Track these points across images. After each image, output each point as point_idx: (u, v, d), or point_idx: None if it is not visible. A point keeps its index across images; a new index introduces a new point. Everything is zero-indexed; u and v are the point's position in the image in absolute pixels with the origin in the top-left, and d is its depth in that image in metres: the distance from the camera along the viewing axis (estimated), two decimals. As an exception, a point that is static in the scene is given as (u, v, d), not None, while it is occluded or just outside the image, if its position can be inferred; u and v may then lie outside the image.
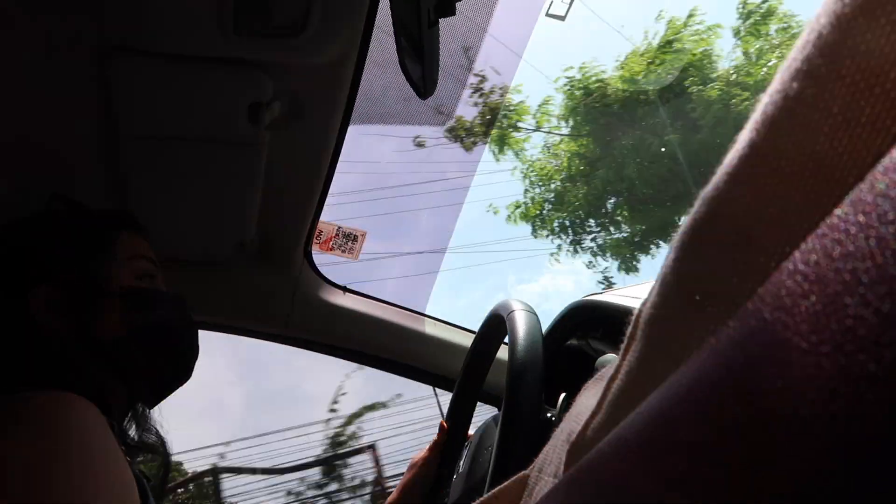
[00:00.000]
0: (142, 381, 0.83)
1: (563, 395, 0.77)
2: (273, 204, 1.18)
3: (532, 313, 0.81)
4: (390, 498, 1.05)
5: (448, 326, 1.47)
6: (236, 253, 1.27)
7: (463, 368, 1.09)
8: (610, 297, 0.90)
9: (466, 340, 1.12)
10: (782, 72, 0.20)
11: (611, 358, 0.73)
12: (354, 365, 1.48)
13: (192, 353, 0.91)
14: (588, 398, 0.47)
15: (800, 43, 0.20)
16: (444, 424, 1.07)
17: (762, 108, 0.20)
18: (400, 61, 0.86)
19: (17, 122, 0.95)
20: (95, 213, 0.88)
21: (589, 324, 0.96)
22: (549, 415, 0.76)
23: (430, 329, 1.44)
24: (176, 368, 0.88)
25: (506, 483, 0.48)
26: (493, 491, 0.49)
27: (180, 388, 0.91)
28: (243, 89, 0.93)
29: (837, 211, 0.15)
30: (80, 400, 0.62)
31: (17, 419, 0.58)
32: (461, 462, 0.92)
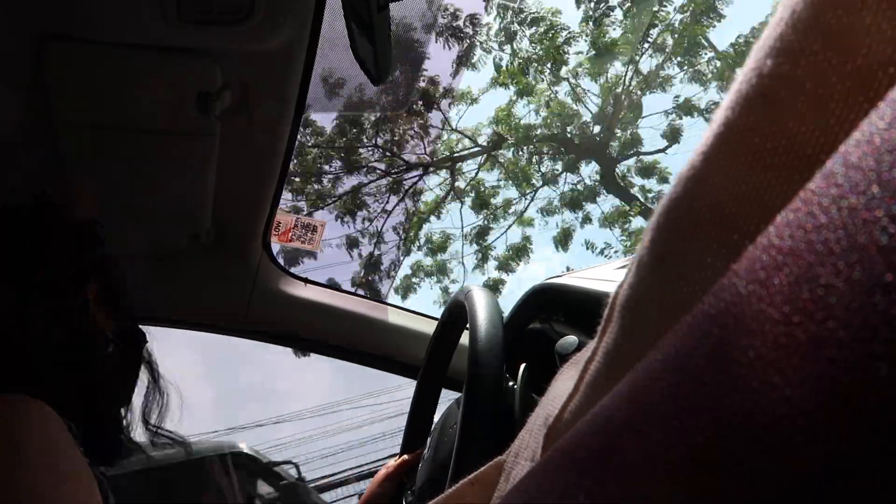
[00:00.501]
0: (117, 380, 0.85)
1: (523, 366, 0.77)
2: (228, 195, 1.15)
3: (490, 295, 0.81)
4: None
5: (411, 314, 1.47)
6: (191, 245, 1.24)
7: (426, 355, 1.09)
8: (570, 280, 0.91)
9: (430, 328, 1.12)
10: (757, 49, 0.20)
11: (571, 340, 0.74)
12: (325, 359, 1.47)
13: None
14: (564, 381, 0.47)
15: (774, 20, 0.20)
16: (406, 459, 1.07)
17: (737, 87, 0.20)
18: (352, 46, 0.84)
19: None
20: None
21: (550, 307, 0.97)
22: (510, 383, 0.76)
23: (394, 318, 1.44)
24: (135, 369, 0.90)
25: (482, 469, 0.48)
26: (469, 477, 0.49)
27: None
28: (190, 78, 0.90)
29: (810, 185, 0.15)
30: (37, 403, 0.61)
31: None
32: (426, 448, 0.92)
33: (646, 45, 8.35)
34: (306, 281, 1.37)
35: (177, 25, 0.81)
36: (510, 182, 9.17)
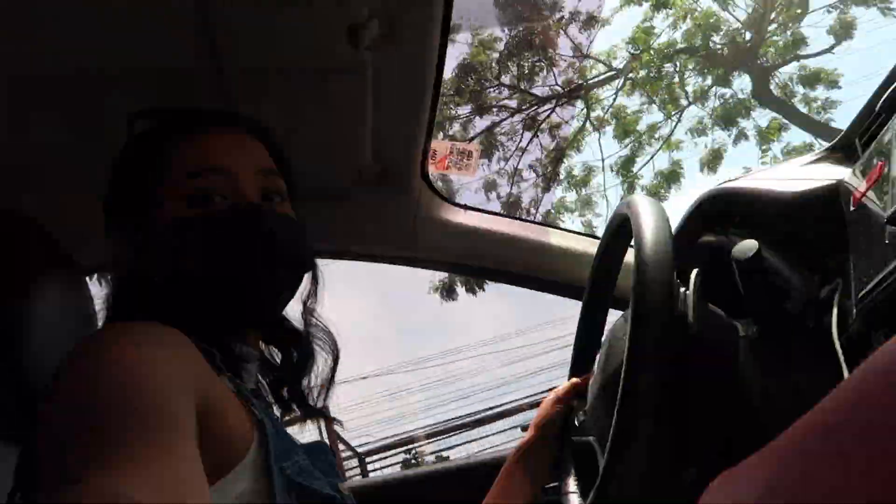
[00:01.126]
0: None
1: (695, 271, 0.72)
2: (384, 128, 1.18)
3: (656, 203, 0.75)
4: (522, 441, 1.03)
5: (574, 235, 1.43)
6: (355, 182, 1.30)
7: (590, 274, 1.06)
8: (748, 183, 0.83)
9: (594, 247, 1.09)
10: None
11: (751, 244, 0.67)
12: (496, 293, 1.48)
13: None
14: None
15: None
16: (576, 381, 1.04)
17: None
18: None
19: (125, 53, 0.98)
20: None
21: (725, 214, 0.89)
22: (681, 289, 0.72)
23: (556, 239, 1.41)
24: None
25: None
26: None
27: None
28: (339, 11, 0.92)
29: None
30: (162, 326, 0.62)
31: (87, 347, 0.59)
32: (595, 366, 0.90)
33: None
34: (466, 207, 1.39)
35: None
36: (654, 104, 8.42)
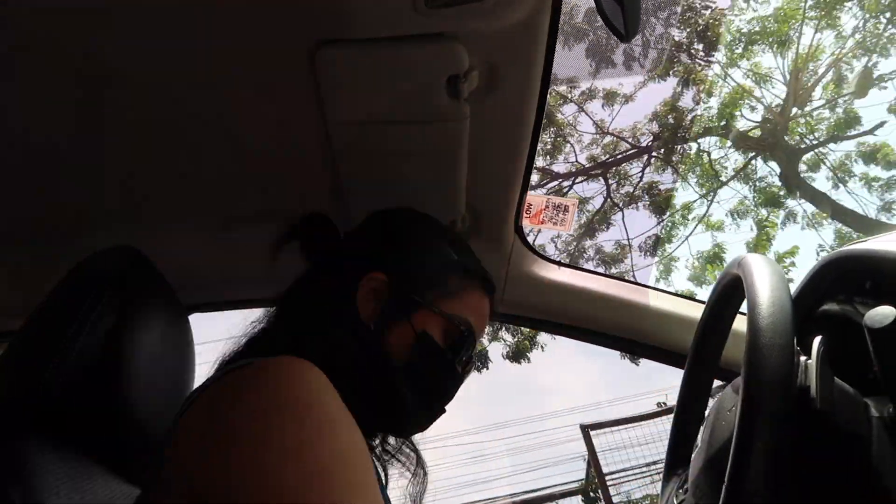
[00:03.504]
0: (381, 408, 0.86)
1: (818, 338, 0.64)
2: (480, 179, 1.17)
3: (773, 263, 0.69)
4: None
5: (676, 298, 1.35)
6: (449, 233, 1.29)
7: (695, 339, 0.98)
8: (880, 245, 0.74)
9: (698, 313, 1.01)
10: None
11: (888, 311, 0.59)
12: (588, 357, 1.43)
13: (433, 414, 0.94)
14: None
15: None
16: None
17: None
18: (596, 4, 0.79)
19: (245, 123, 1.04)
20: (454, 235, 1.04)
21: (851, 281, 0.80)
22: (802, 358, 0.63)
23: (656, 301, 1.34)
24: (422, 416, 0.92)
25: None
26: None
27: None
28: (440, 63, 0.93)
29: None
30: (311, 364, 0.65)
31: (256, 379, 0.62)
32: (699, 436, 0.82)
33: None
34: (559, 264, 1.34)
35: (424, 12, 0.84)
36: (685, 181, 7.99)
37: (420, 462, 0.93)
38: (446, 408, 0.93)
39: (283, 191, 1.19)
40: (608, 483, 7.82)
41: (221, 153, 1.10)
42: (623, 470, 7.89)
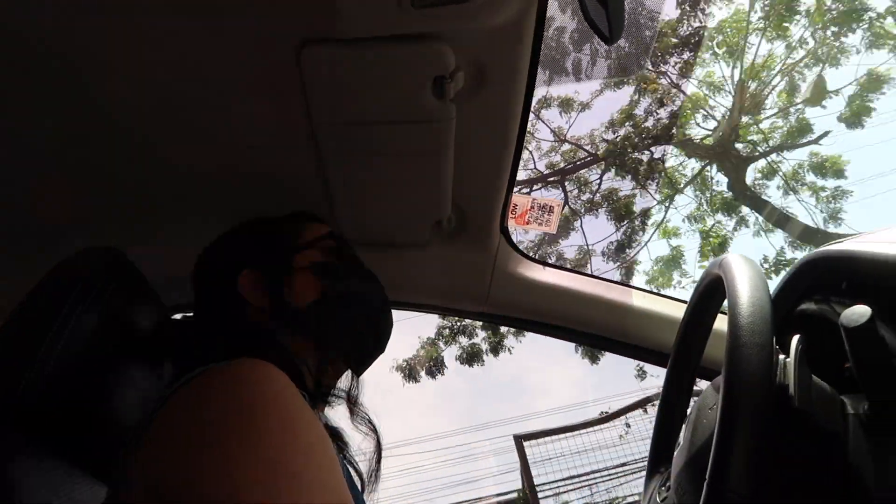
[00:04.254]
0: (335, 345, 0.93)
1: (797, 337, 0.65)
2: (466, 180, 1.17)
3: (752, 263, 0.70)
4: None
5: (659, 298, 1.37)
6: (434, 233, 1.29)
7: (677, 338, 0.99)
8: (857, 245, 0.76)
9: (680, 312, 1.02)
10: None
11: (863, 310, 0.61)
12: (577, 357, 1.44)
13: (384, 322, 1.02)
14: None
15: None
16: None
17: None
18: (580, 5, 0.79)
19: (232, 121, 1.04)
20: (280, 217, 1.05)
21: (828, 281, 0.81)
22: (781, 357, 0.65)
23: (639, 301, 1.35)
24: (368, 334, 0.99)
25: None
26: None
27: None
28: (426, 63, 0.93)
29: None
30: (270, 366, 0.65)
31: (215, 383, 0.63)
32: (681, 434, 0.83)
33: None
34: (545, 264, 1.35)
35: (411, 12, 0.84)
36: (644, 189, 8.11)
37: (378, 442, 0.95)
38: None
39: (269, 190, 1.19)
40: (548, 493, 7.89)
41: (208, 152, 1.10)
42: (567, 478, 7.96)
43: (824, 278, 0.81)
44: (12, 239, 1.20)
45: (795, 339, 0.66)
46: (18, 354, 0.78)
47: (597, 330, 1.38)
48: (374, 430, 0.96)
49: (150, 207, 1.20)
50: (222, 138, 1.07)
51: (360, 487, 0.91)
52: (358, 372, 1.00)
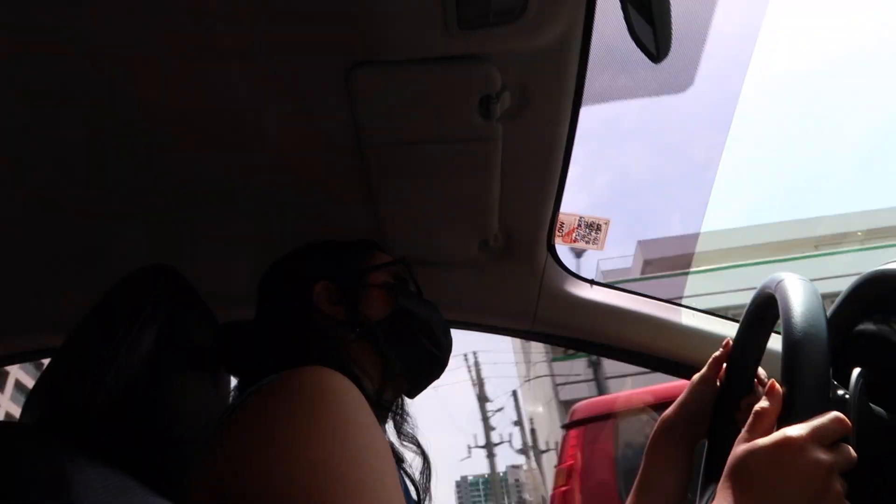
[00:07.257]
0: (400, 361, 0.97)
1: (857, 370, 0.63)
2: (513, 198, 1.18)
3: (809, 284, 0.68)
4: (667, 413, 0.97)
5: (710, 317, 1.34)
6: (481, 251, 1.30)
7: (728, 360, 0.97)
8: (918, 264, 0.73)
9: (732, 331, 1.00)
10: None
11: None
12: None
13: (447, 343, 1.05)
14: None
15: None
16: (729, 342, 0.96)
17: None
18: (627, 24, 0.79)
19: (282, 146, 1.07)
20: (350, 241, 1.12)
21: (887, 300, 0.79)
22: (839, 392, 0.63)
23: (688, 320, 1.32)
24: (431, 355, 1.01)
25: None
26: None
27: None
28: (472, 84, 0.94)
29: None
30: (338, 373, 0.67)
31: (290, 387, 0.66)
32: None
33: None
34: (592, 282, 1.34)
35: (457, 33, 0.86)
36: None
37: (425, 458, 0.99)
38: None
39: (318, 211, 1.21)
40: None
41: (260, 174, 1.13)
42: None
43: (883, 297, 0.78)
44: (74, 258, 1.25)
45: (856, 372, 0.63)
46: (80, 371, 0.81)
47: (645, 349, 1.36)
48: (421, 449, 0.97)
49: (206, 228, 1.24)
50: (272, 161, 1.10)
51: (416, 499, 0.92)
52: (412, 394, 1.03)
